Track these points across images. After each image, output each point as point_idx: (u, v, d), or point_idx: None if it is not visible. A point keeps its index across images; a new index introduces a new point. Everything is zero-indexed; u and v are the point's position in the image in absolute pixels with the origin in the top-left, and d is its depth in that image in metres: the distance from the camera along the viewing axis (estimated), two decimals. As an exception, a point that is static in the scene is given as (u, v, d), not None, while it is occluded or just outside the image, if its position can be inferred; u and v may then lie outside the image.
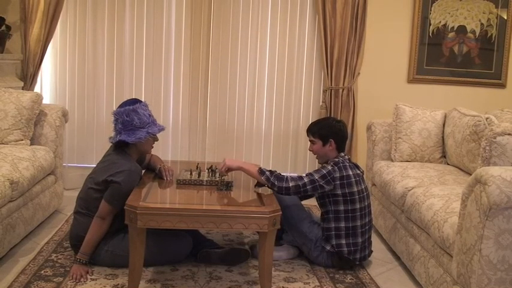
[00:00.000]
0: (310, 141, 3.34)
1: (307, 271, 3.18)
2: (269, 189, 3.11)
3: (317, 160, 3.38)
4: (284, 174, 3.13)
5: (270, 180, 3.06)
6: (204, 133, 5.00)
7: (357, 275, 3.18)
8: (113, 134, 3.15)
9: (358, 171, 3.23)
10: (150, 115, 3.14)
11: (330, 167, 3.14)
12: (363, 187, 3.23)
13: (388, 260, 3.49)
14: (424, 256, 2.97)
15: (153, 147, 3.24)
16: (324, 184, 3.09)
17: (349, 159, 3.28)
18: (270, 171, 3.10)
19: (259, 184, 3.16)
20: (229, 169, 3.15)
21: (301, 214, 3.31)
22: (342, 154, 3.27)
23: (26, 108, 3.83)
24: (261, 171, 3.09)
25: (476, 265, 2.33)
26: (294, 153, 5.06)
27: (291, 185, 3.07)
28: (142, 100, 3.22)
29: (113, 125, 3.14)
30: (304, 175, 3.15)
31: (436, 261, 2.82)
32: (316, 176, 3.10)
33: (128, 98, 3.27)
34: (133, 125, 3.05)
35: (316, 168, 3.24)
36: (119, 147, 3.12)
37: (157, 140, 3.22)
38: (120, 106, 3.12)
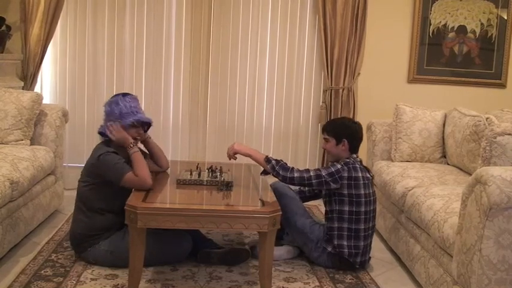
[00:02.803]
0: (324, 138, 3.33)
1: (307, 271, 3.18)
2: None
3: (327, 157, 3.37)
4: (291, 165, 3.15)
5: (275, 169, 3.09)
6: (204, 133, 5.00)
7: (357, 275, 3.18)
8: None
9: (368, 175, 3.21)
10: (133, 106, 3.12)
11: (339, 166, 3.13)
12: (371, 191, 3.21)
13: (388, 260, 3.49)
14: (424, 256, 2.97)
15: (137, 140, 3.16)
16: (330, 181, 3.09)
17: (360, 161, 3.25)
18: (276, 160, 3.13)
19: (265, 172, 3.20)
20: (236, 152, 3.19)
21: (302, 214, 3.31)
22: (354, 155, 3.24)
23: (26, 108, 3.83)
24: (268, 160, 3.12)
25: (476, 265, 2.33)
26: (294, 153, 5.06)
27: (295, 175, 3.08)
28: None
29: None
30: (311, 169, 3.15)
31: (436, 261, 2.82)
32: (324, 173, 3.10)
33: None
34: (112, 116, 3.08)
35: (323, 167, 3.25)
36: (105, 140, 3.16)
37: (140, 132, 3.16)
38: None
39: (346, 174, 3.11)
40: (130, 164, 3.03)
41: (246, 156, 3.20)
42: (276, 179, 3.28)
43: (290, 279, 3.05)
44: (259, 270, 2.84)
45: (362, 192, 3.14)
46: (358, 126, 3.33)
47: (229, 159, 3.23)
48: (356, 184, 3.13)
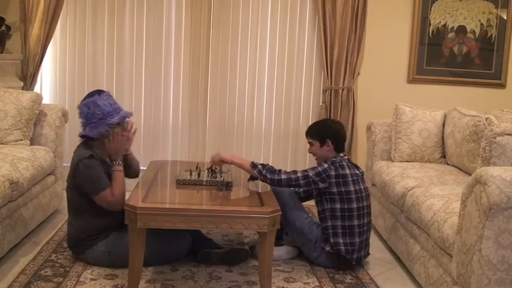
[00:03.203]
0: (308, 143, 3.37)
1: (307, 271, 3.18)
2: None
3: (316, 161, 3.39)
4: (277, 168, 3.16)
5: (262, 173, 3.10)
6: (204, 132, 5.00)
7: (356, 275, 3.18)
8: (81, 129, 3.11)
9: (357, 171, 3.24)
10: (112, 104, 3.07)
11: (326, 165, 3.16)
12: (362, 187, 3.23)
13: (388, 260, 3.49)
14: (423, 256, 2.97)
15: (123, 136, 3.08)
16: (318, 181, 3.11)
17: (348, 159, 3.29)
18: (262, 164, 3.14)
19: (252, 178, 3.20)
20: (222, 161, 3.20)
21: (301, 215, 3.31)
22: (341, 154, 3.28)
23: (26, 108, 3.83)
24: (254, 165, 3.13)
25: (476, 265, 2.33)
26: (294, 152, 5.06)
27: (283, 177, 3.09)
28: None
29: (80, 120, 3.11)
30: (299, 170, 3.17)
31: (435, 261, 2.82)
32: (311, 173, 3.12)
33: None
34: (94, 117, 3.01)
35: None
36: (84, 140, 3.10)
37: (126, 128, 3.11)
38: (83, 99, 3.10)
39: (333, 173, 3.13)
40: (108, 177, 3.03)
41: (231, 164, 3.22)
42: None
43: (290, 279, 3.05)
44: (259, 270, 2.84)
45: (352, 188, 3.16)
46: (340, 126, 3.40)
47: (212, 164, 3.24)
48: (345, 181, 3.14)
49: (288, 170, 3.17)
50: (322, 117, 4.80)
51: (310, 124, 3.59)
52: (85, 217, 3.05)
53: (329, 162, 3.18)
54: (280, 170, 3.13)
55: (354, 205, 3.17)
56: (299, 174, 3.12)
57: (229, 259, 3.19)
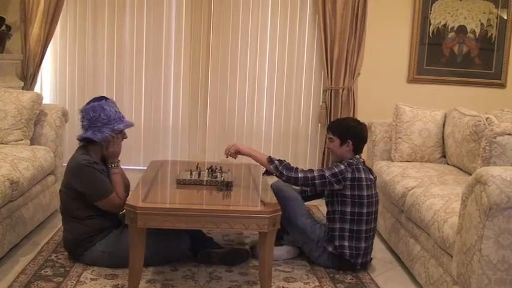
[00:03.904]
0: (328, 138, 3.31)
1: (307, 271, 3.18)
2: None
3: (331, 157, 3.36)
4: (294, 165, 3.14)
5: (278, 169, 3.07)
6: (204, 133, 5.01)
7: (356, 275, 3.17)
8: (80, 132, 3.12)
9: (371, 176, 3.20)
10: (116, 111, 3.11)
11: (343, 167, 3.12)
12: (373, 193, 3.20)
13: (388, 260, 3.49)
14: (424, 256, 2.97)
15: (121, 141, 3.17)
16: (334, 182, 3.08)
17: (363, 162, 3.25)
18: (279, 160, 3.11)
19: (267, 172, 3.18)
20: (238, 152, 3.17)
21: (303, 214, 3.30)
22: (357, 156, 3.23)
23: (26, 108, 3.83)
24: (271, 160, 3.09)
25: (476, 265, 2.33)
26: (294, 153, 5.06)
27: (299, 175, 3.06)
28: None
29: (80, 123, 3.12)
30: (315, 169, 3.14)
31: (436, 261, 2.82)
32: (327, 173, 3.09)
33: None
34: (99, 121, 3.03)
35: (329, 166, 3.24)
36: (82, 144, 3.12)
37: (125, 137, 3.18)
38: (87, 104, 3.11)
39: (349, 175, 3.10)
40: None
41: (247, 156, 3.18)
42: (276, 179, 3.27)
43: (290, 279, 3.05)
44: (259, 270, 2.84)
45: (365, 193, 3.14)
46: (363, 127, 3.31)
47: (227, 156, 3.21)
48: (359, 185, 3.12)
49: (305, 169, 3.14)
50: (323, 117, 4.81)
51: (333, 120, 3.53)
52: (80, 220, 3.04)
53: (346, 164, 3.14)
54: (297, 168, 3.09)
55: (365, 210, 3.15)
56: (315, 174, 3.08)
57: (230, 259, 3.18)
